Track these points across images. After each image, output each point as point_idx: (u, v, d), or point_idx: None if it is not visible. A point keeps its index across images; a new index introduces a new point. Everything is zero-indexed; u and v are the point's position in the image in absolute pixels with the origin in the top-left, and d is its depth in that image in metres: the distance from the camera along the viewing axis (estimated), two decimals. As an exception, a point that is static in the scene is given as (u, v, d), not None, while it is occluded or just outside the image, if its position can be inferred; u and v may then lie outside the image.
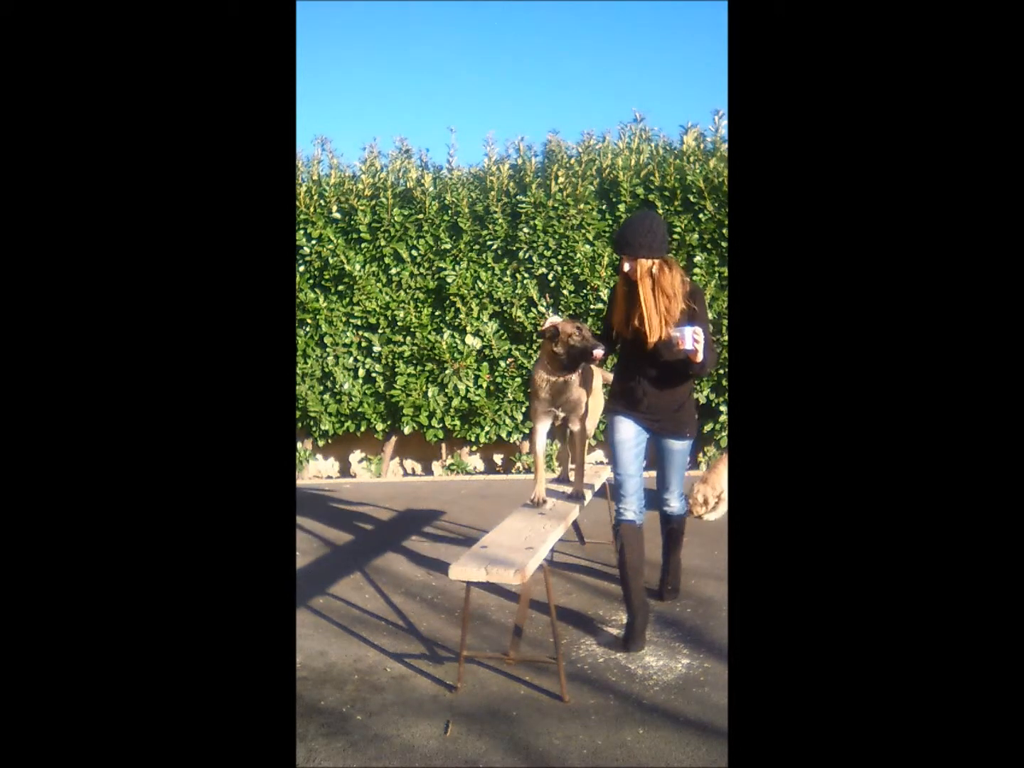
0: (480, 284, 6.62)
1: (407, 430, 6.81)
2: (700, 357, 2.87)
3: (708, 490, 4.83)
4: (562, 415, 3.40)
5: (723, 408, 6.32)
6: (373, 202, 6.77)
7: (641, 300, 2.94)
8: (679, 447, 3.18)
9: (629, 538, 3.05)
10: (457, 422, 6.75)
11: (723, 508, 4.83)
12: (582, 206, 6.48)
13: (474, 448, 7.02)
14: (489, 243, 6.63)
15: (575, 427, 3.45)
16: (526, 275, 6.59)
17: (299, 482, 6.72)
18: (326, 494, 6.08)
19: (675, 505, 3.32)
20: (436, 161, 7.02)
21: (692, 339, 2.81)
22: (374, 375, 6.85)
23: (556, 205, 6.50)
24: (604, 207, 6.57)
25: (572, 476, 3.64)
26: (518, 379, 6.63)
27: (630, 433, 3.10)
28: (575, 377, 3.35)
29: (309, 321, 6.81)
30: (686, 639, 3.02)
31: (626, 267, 2.97)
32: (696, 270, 6.25)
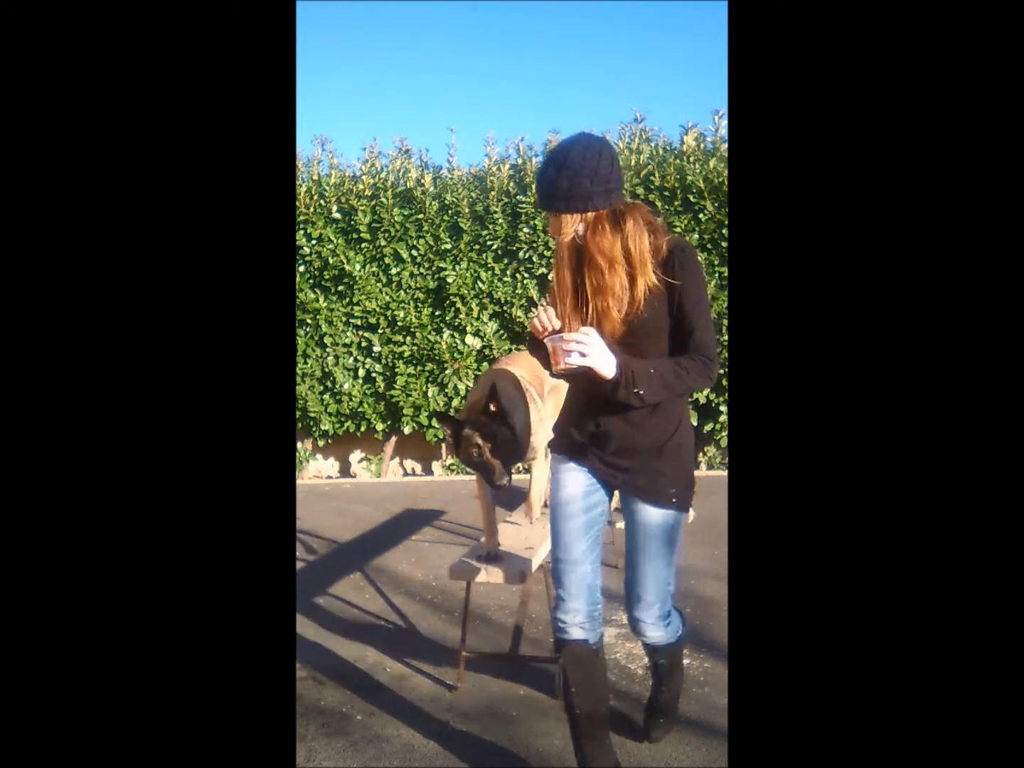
0: (480, 284, 6.62)
1: (407, 430, 6.81)
2: (610, 373, 1.72)
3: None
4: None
5: (723, 408, 6.32)
6: (373, 202, 6.76)
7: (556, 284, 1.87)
8: (655, 519, 1.87)
9: (574, 669, 1.89)
10: (457, 422, 6.74)
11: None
12: (582, 206, 6.47)
13: (474, 448, 7.00)
14: (489, 243, 6.62)
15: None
16: (526, 275, 6.58)
17: (299, 482, 6.72)
18: (326, 494, 6.08)
19: (652, 630, 1.98)
20: (436, 161, 7.04)
21: (577, 352, 1.72)
22: (374, 375, 6.84)
23: (556, 205, 6.48)
24: (604, 207, 6.56)
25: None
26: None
27: (577, 490, 1.90)
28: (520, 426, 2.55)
29: (309, 321, 6.80)
30: (686, 639, 3.02)
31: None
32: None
